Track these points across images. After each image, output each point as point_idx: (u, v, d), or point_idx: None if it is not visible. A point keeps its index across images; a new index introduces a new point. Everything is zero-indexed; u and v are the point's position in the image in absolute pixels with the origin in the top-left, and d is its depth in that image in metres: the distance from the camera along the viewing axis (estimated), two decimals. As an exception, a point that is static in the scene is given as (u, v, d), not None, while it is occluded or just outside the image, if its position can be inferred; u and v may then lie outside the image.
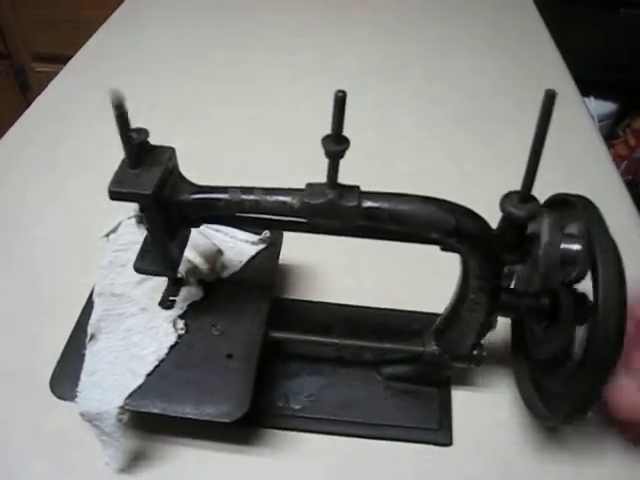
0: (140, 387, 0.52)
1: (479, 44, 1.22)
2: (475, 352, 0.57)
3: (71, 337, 0.56)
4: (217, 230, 0.63)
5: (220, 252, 0.61)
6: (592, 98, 1.83)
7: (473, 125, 1.00)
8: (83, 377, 0.53)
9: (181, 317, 0.58)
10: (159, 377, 0.53)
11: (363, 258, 0.75)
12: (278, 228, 0.51)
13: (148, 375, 0.53)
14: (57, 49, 1.53)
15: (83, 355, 0.54)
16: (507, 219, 0.48)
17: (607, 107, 1.92)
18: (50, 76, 1.07)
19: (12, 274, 0.73)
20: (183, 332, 0.57)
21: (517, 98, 1.06)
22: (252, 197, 0.47)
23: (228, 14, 1.29)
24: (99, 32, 1.22)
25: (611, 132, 2.01)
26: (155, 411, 0.52)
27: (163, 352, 0.55)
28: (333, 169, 0.44)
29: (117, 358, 0.54)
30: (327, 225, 0.47)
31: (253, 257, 0.63)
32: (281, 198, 0.47)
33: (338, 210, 0.46)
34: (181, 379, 0.53)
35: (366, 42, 1.22)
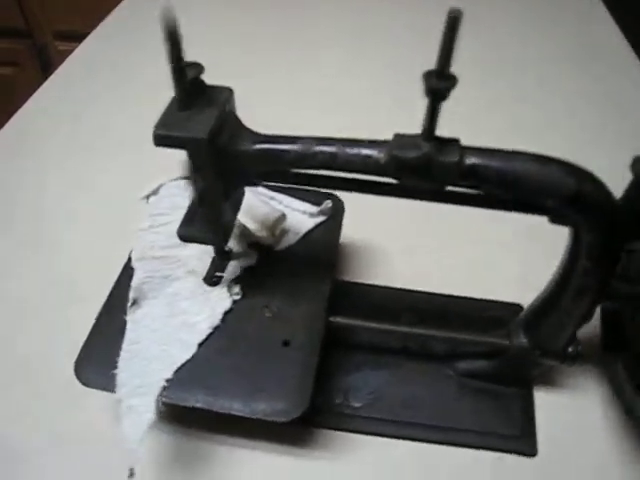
0: (179, 376, 0.45)
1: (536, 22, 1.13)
2: (570, 349, 0.48)
3: (100, 316, 0.48)
4: (271, 198, 0.54)
5: (284, 217, 0.53)
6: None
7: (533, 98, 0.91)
8: (125, 346, 0.46)
9: (235, 281, 0.50)
10: (203, 364, 0.45)
11: (428, 238, 0.67)
12: (358, 190, 0.42)
13: (200, 345, 0.47)
14: (79, 27, 1.47)
15: (116, 333, 0.47)
16: (638, 185, 0.39)
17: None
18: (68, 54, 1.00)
19: (32, 254, 0.66)
20: (239, 297, 0.50)
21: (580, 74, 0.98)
22: (328, 149, 0.38)
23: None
24: (119, 7, 1.14)
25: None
26: (198, 406, 0.43)
27: (217, 319, 0.48)
28: (432, 115, 0.36)
29: (164, 326, 0.47)
30: (420, 186, 0.38)
31: (311, 230, 0.55)
32: (364, 151, 0.38)
33: (435, 167, 0.37)
34: (228, 368, 0.45)
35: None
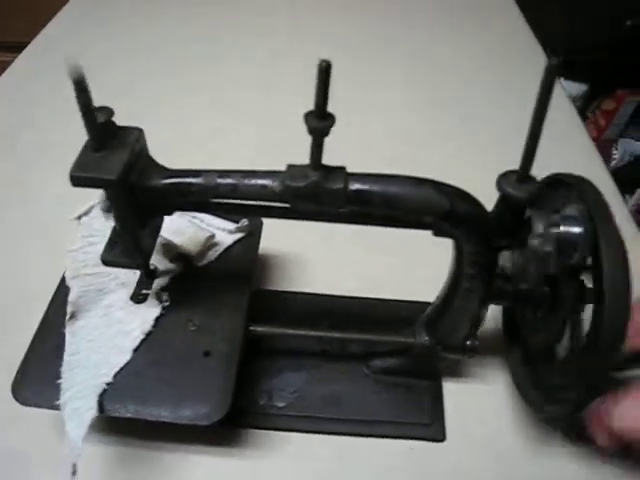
0: (111, 388, 0.49)
1: (452, 25, 1.19)
2: (468, 343, 0.54)
3: (36, 335, 0.52)
4: (193, 217, 0.59)
5: (213, 236, 0.58)
6: (562, 79, 1.81)
7: (453, 107, 0.97)
8: (66, 357, 0.50)
9: (163, 290, 0.55)
10: (132, 376, 0.49)
11: (345, 246, 0.72)
12: (258, 214, 0.47)
13: (134, 350, 0.51)
14: (15, 37, 1.48)
15: (52, 352, 0.50)
16: (504, 200, 0.44)
17: (576, 88, 1.90)
18: (7, 66, 1.02)
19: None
20: (167, 304, 0.54)
21: (492, 80, 1.04)
22: (229, 181, 0.43)
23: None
24: (58, 17, 1.16)
25: (580, 114, 1.99)
26: (128, 415, 0.48)
27: (149, 325, 0.52)
28: (317, 148, 0.40)
29: (101, 335, 0.51)
30: (311, 210, 0.43)
31: (230, 247, 0.59)
32: (260, 181, 0.43)
33: (323, 193, 0.42)
34: (156, 379, 0.49)
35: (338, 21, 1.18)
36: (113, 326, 0.52)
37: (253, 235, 0.60)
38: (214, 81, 1.01)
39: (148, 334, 0.52)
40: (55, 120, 0.90)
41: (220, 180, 0.43)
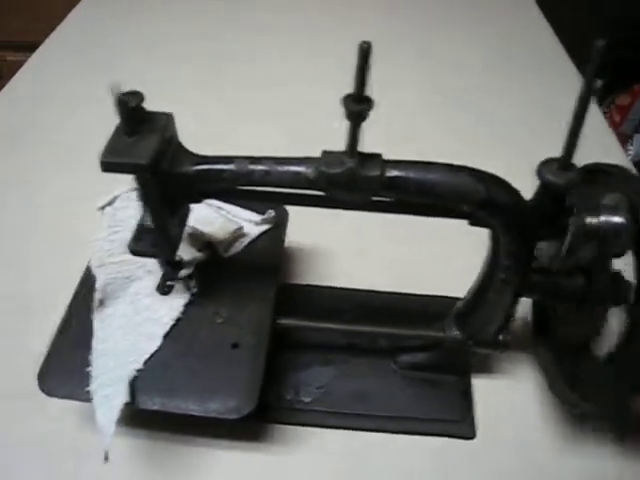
0: (138, 380, 0.48)
1: (468, 20, 1.17)
2: (501, 337, 0.53)
3: (62, 324, 0.51)
4: (219, 207, 0.58)
5: (241, 228, 0.57)
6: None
7: (467, 104, 0.96)
8: (95, 345, 0.49)
9: (190, 277, 0.54)
10: (160, 367, 0.48)
11: (372, 239, 0.71)
12: (289, 202, 0.45)
13: (165, 336, 0.50)
14: (24, 37, 1.47)
15: (77, 343, 0.50)
16: (544, 188, 0.43)
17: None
18: (22, 65, 1.01)
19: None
20: (195, 290, 0.53)
21: (511, 73, 1.02)
22: (261, 167, 0.42)
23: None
24: (71, 15, 1.16)
25: (596, 109, 1.98)
26: (155, 408, 0.47)
27: (177, 311, 0.52)
28: (353, 134, 0.39)
29: (129, 322, 0.51)
30: (346, 198, 0.42)
31: (256, 238, 0.58)
32: (294, 168, 0.42)
33: (359, 180, 0.41)
34: (183, 371, 0.48)
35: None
36: (141, 313, 0.52)
37: (279, 226, 0.59)
38: (228, 77, 1.01)
39: (177, 321, 0.52)
40: (65, 119, 0.90)
41: (252, 166, 0.42)
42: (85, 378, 0.48)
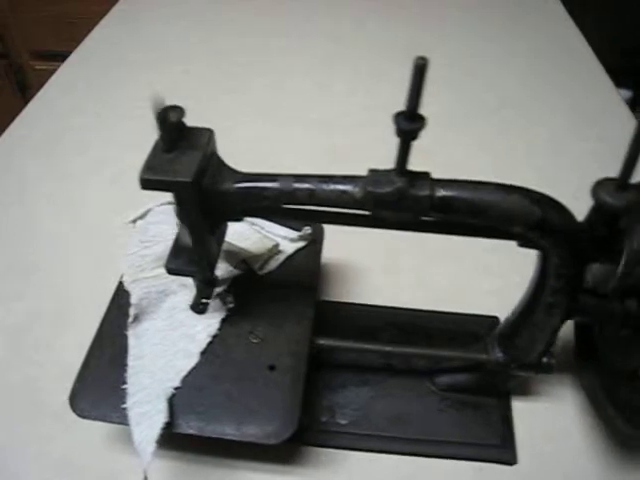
0: (174, 400, 0.46)
1: (498, 30, 1.15)
2: (545, 360, 0.51)
3: (94, 342, 0.50)
4: (252, 224, 0.56)
5: (277, 246, 0.55)
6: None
7: (501, 115, 0.94)
8: (130, 362, 0.48)
9: (227, 291, 0.53)
10: (194, 389, 0.47)
11: (407, 257, 0.69)
12: (333, 222, 0.44)
13: (202, 353, 0.49)
14: (56, 46, 1.48)
15: (110, 363, 0.49)
16: (599, 210, 0.41)
17: (622, 94, 1.86)
18: (49, 74, 1.01)
19: (18, 282, 0.67)
20: (232, 306, 0.52)
21: (544, 85, 1.00)
22: (306, 186, 0.40)
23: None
24: (100, 26, 1.15)
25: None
26: (191, 432, 0.45)
27: (214, 328, 0.51)
28: (404, 152, 0.38)
29: (165, 339, 0.50)
30: (393, 218, 0.40)
31: (291, 256, 0.56)
32: (340, 187, 0.40)
33: (408, 200, 0.39)
34: (219, 394, 0.47)
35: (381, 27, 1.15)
36: (177, 329, 0.51)
37: (315, 244, 0.57)
38: (259, 84, 0.99)
39: (213, 338, 0.50)
40: (97, 126, 0.89)
41: (297, 185, 0.40)
42: (118, 399, 0.46)
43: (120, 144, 0.85)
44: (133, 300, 0.51)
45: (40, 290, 0.65)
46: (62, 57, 1.05)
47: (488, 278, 0.67)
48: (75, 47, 1.08)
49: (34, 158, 0.84)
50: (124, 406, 0.46)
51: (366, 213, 0.41)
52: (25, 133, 0.88)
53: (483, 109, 0.94)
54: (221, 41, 1.11)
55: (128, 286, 0.52)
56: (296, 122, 0.90)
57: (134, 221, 0.56)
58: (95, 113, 0.92)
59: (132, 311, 0.50)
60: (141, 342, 0.49)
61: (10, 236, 0.72)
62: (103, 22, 1.16)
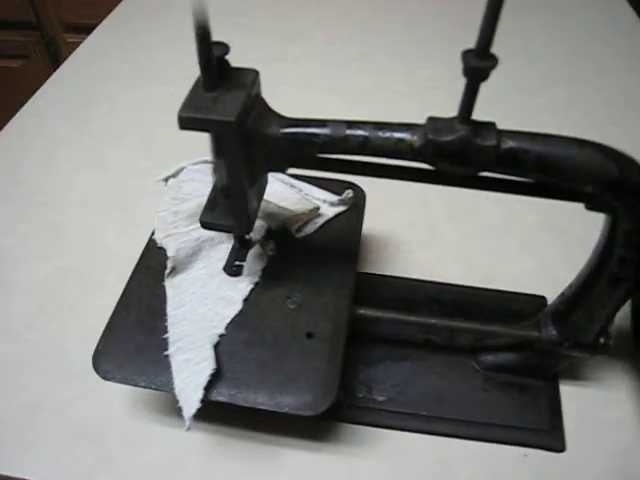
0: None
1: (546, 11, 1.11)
2: (602, 340, 0.47)
3: (119, 304, 0.47)
4: (291, 185, 0.53)
5: (317, 209, 0.52)
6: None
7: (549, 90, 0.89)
8: (170, 310, 0.46)
9: (267, 238, 0.50)
10: (226, 356, 0.44)
11: (451, 229, 0.66)
12: (385, 176, 0.40)
13: (245, 300, 0.47)
14: (87, 19, 1.45)
15: (135, 323, 0.46)
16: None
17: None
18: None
19: (44, 240, 0.65)
20: (272, 253, 0.50)
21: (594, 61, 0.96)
22: (360, 132, 0.37)
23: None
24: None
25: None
26: (221, 399, 0.42)
27: (256, 276, 0.49)
28: (470, 95, 0.34)
29: (204, 287, 0.47)
30: (454, 171, 0.37)
31: (330, 220, 0.53)
32: (397, 134, 0.36)
33: (472, 151, 0.35)
34: (252, 361, 0.44)
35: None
36: (216, 277, 0.48)
37: (357, 209, 0.54)
38: (296, 53, 0.96)
39: (256, 284, 0.48)
40: (126, 93, 0.86)
41: (349, 131, 0.37)
42: (143, 362, 0.44)
43: (150, 108, 0.82)
44: (170, 253, 0.48)
45: (66, 250, 0.63)
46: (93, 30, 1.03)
47: (531, 255, 0.63)
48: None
49: (64, 121, 0.81)
50: (166, 353, 0.44)
51: (422, 166, 0.38)
52: (56, 95, 0.86)
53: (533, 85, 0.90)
54: (260, 9, 1.07)
55: (161, 241, 0.50)
56: (333, 92, 0.87)
57: (166, 179, 0.53)
58: (125, 78, 0.89)
59: (169, 263, 0.48)
60: (179, 292, 0.47)
61: (38, 196, 0.70)
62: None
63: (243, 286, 0.47)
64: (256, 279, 0.48)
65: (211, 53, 0.35)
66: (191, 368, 0.42)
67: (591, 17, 1.06)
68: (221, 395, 0.42)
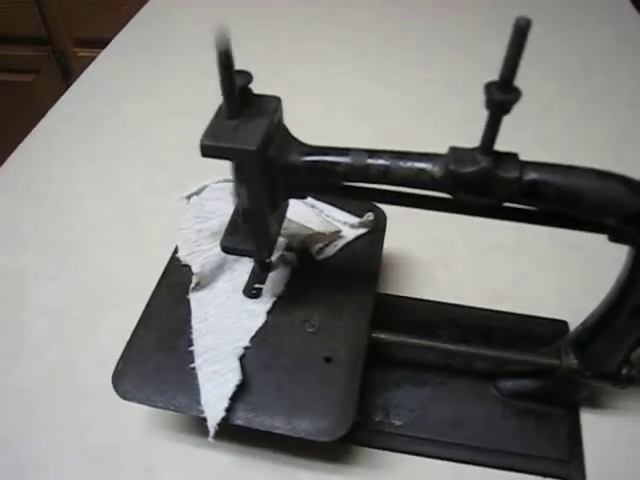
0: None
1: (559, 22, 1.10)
2: (624, 371, 0.46)
3: (140, 322, 0.48)
4: (312, 206, 0.53)
5: (338, 232, 0.52)
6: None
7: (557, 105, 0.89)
8: (195, 324, 0.47)
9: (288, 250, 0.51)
10: (245, 379, 0.44)
11: (471, 251, 0.65)
12: (406, 204, 0.40)
13: (268, 313, 0.48)
14: (99, 33, 1.47)
15: (155, 344, 0.46)
16: None
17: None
18: (92, 61, 0.99)
19: (61, 261, 0.65)
20: (294, 264, 0.51)
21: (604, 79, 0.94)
22: (381, 162, 0.37)
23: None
24: (141, 13, 1.13)
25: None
26: (239, 423, 0.42)
27: (279, 289, 0.50)
28: (492, 127, 0.34)
29: (228, 300, 0.48)
30: (474, 201, 0.37)
31: (350, 242, 0.53)
32: (418, 164, 0.36)
33: (493, 182, 0.35)
34: (270, 384, 0.44)
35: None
36: (239, 290, 0.49)
37: (377, 231, 0.54)
38: (304, 69, 0.96)
39: (279, 297, 0.49)
40: (138, 109, 0.87)
41: (370, 160, 0.37)
42: (162, 383, 0.44)
43: (162, 125, 0.82)
44: (195, 269, 0.49)
45: (82, 271, 0.63)
46: (104, 44, 1.03)
47: (548, 273, 0.62)
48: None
49: (77, 139, 0.82)
50: (192, 365, 0.45)
51: (444, 196, 0.38)
52: (69, 113, 0.87)
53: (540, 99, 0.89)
54: (269, 24, 1.08)
55: (185, 258, 0.50)
56: (344, 108, 0.87)
57: (189, 197, 0.53)
58: (139, 95, 0.90)
59: (194, 279, 0.49)
60: (204, 305, 0.48)
61: (54, 216, 0.70)
62: (143, 11, 1.14)
63: (266, 298, 0.48)
64: (279, 292, 0.49)
65: (234, 82, 0.35)
66: (217, 380, 0.43)
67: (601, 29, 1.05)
68: (239, 419, 0.42)
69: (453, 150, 0.36)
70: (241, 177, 0.38)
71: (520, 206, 0.39)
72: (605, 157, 0.77)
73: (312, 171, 0.38)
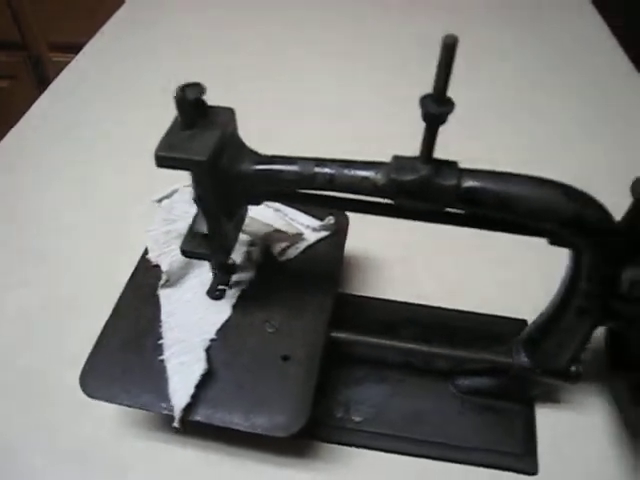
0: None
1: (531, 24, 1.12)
2: (573, 368, 0.48)
3: (108, 324, 0.49)
4: (277, 209, 0.55)
5: (300, 235, 0.54)
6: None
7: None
8: (164, 318, 0.50)
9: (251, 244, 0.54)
10: (205, 377, 0.46)
11: (431, 252, 0.67)
12: (352, 210, 0.42)
13: (233, 307, 0.51)
14: (75, 37, 1.48)
15: (122, 345, 0.48)
16: (638, 208, 0.38)
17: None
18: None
19: (31, 268, 0.66)
20: (260, 261, 0.54)
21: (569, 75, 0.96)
22: (327, 170, 0.39)
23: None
24: (114, 18, 1.14)
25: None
26: (198, 419, 0.44)
27: (244, 285, 0.52)
28: (430, 138, 0.36)
29: (195, 295, 0.51)
30: (416, 208, 0.38)
31: (312, 245, 0.55)
32: (361, 173, 0.38)
33: (433, 190, 0.37)
34: (230, 382, 0.46)
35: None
36: (207, 286, 0.51)
37: (339, 234, 0.55)
38: (278, 74, 0.98)
39: (244, 290, 0.52)
40: (113, 114, 0.88)
41: (317, 169, 0.39)
42: (129, 382, 0.46)
43: (136, 132, 0.83)
44: (164, 268, 0.52)
45: (52, 276, 0.64)
46: (80, 49, 1.04)
47: (507, 273, 0.64)
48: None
49: (50, 145, 0.83)
50: (161, 358, 0.47)
51: (388, 202, 0.40)
52: (41, 119, 0.87)
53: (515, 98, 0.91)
54: (239, 30, 1.09)
55: (156, 259, 0.53)
56: (315, 112, 0.88)
57: (160, 200, 0.55)
58: (112, 100, 0.91)
59: (164, 276, 0.51)
60: (172, 300, 0.51)
61: (22, 221, 0.71)
62: (118, 14, 1.15)
63: (232, 293, 0.51)
64: (244, 286, 0.51)
65: (186, 95, 0.37)
66: (184, 370, 0.45)
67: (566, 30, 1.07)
68: (198, 415, 0.44)
69: (396, 159, 0.38)
70: (196, 185, 0.40)
71: (461, 211, 0.40)
72: (545, 164, 0.79)
73: (263, 180, 0.40)
